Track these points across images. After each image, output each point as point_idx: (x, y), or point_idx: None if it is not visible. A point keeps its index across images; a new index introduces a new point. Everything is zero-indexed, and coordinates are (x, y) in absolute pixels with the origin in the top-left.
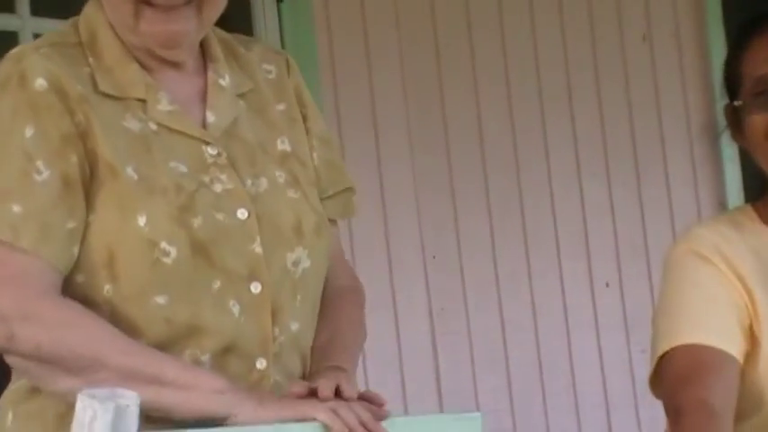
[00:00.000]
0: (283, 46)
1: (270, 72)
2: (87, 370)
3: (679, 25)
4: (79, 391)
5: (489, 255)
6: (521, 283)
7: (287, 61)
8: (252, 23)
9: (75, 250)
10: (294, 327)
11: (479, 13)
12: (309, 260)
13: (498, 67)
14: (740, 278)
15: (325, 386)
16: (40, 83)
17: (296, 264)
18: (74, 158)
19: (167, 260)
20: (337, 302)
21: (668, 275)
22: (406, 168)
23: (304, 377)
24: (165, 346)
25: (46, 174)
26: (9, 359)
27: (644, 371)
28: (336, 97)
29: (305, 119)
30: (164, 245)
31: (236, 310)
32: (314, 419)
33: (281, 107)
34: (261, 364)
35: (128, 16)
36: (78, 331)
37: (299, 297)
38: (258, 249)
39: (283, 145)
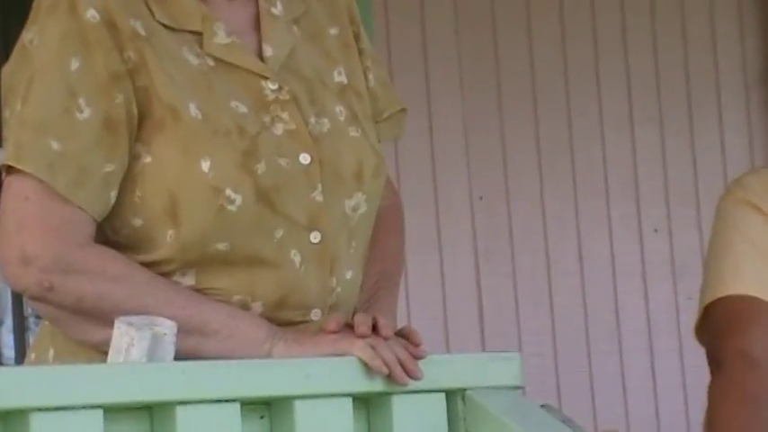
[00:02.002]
0: None
1: None
2: None
3: None
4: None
5: (537, 197)
6: (568, 226)
7: None
8: None
9: (113, 195)
10: (348, 275)
11: None
12: (366, 205)
13: (553, 6)
14: None
15: (362, 321)
16: (92, 14)
17: (354, 209)
18: (119, 98)
19: (232, 207)
20: (382, 232)
21: (718, 224)
22: (455, 107)
23: None
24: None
25: (87, 112)
26: (38, 307)
27: (690, 318)
28: (388, 32)
29: (357, 38)
30: (229, 192)
31: (297, 260)
32: (351, 355)
33: (334, 31)
34: (316, 315)
35: None
36: (123, 284)
37: (353, 244)
38: (319, 197)
39: (340, 77)
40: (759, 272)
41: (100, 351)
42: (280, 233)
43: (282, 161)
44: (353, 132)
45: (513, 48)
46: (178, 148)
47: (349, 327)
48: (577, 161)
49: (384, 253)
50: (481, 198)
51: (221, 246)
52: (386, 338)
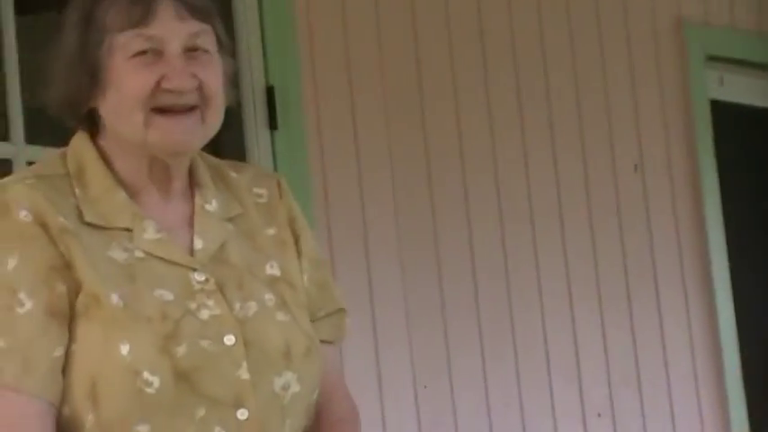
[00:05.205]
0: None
1: (261, 196)
2: None
3: (671, 156)
4: None
5: (481, 385)
6: (512, 412)
7: (278, 184)
8: (245, 149)
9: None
10: None
11: (472, 144)
12: (299, 384)
13: (491, 198)
14: None
15: None
16: (24, 214)
17: (285, 388)
18: (61, 288)
19: (150, 390)
20: None
21: None
22: (398, 297)
23: None
24: None
25: (29, 305)
26: None
27: None
28: (328, 218)
29: (296, 240)
30: (146, 375)
31: None
32: None
33: (270, 231)
34: None
35: (138, 125)
36: None
37: (288, 422)
38: (245, 375)
39: (272, 269)
40: None
41: None
42: (201, 412)
43: (205, 342)
44: (281, 317)
45: (453, 230)
46: (99, 334)
47: None
48: (519, 346)
49: None
50: (425, 387)
51: (142, 428)
52: None
